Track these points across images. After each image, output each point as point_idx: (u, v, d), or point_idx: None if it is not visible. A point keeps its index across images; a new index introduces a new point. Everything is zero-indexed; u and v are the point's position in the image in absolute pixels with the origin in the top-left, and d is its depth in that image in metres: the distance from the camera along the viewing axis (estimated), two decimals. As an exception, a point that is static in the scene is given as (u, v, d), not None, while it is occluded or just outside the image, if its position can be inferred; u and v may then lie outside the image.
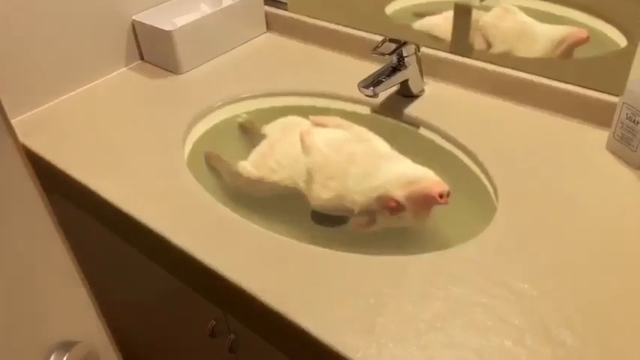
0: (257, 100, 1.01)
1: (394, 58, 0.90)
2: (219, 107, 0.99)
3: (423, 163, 0.80)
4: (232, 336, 0.79)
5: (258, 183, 0.86)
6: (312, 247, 0.70)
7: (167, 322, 1.02)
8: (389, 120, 0.96)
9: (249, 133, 0.99)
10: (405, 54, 0.89)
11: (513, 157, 0.81)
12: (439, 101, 0.94)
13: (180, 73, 1.07)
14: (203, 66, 1.10)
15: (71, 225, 1.12)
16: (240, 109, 1.01)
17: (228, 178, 0.90)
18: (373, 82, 0.88)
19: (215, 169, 0.94)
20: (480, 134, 0.86)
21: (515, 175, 0.78)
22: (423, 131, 0.92)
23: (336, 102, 1.00)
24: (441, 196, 0.73)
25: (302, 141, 0.85)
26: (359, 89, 0.87)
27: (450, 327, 0.59)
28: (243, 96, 1.01)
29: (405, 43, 0.88)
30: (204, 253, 0.70)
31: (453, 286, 0.63)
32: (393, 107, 0.94)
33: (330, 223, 0.86)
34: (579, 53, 0.86)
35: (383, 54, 0.88)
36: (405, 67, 0.90)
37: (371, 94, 0.86)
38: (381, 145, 0.84)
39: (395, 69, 0.90)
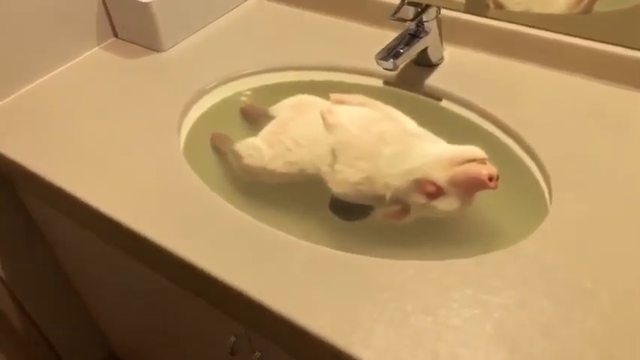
0: (258, 77, 0.89)
1: (412, 24, 0.80)
2: (214, 87, 0.88)
3: (452, 142, 0.72)
4: (258, 354, 0.70)
5: (271, 163, 0.76)
6: (347, 255, 0.60)
7: (179, 340, 0.92)
8: (406, 93, 0.86)
9: (254, 118, 0.88)
10: (424, 19, 0.79)
11: (559, 133, 0.72)
12: (461, 69, 0.85)
13: (163, 50, 0.94)
14: (188, 40, 0.97)
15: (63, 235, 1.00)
16: (240, 88, 0.89)
17: (235, 163, 0.80)
18: (392, 53, 0.77)
19: (221, 152, 0.84)
20: (515, 106, 0.77)
21: (567, 156, 0.69)
22: (446, 104, 0.82)
23: (343, 75, 0.89)
24: (490, 178, 0.64)
25: (324, 119, 0.75)
26: (377, 62, 0.77)
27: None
28: (242, 73, 0.89)
29: (426, 7, 0.78)
30: (218, 266, 0.60)
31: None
32: (409, 78, 0.84)
33: (353, 214, 0.77)
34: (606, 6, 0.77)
35: (403, 20, 0.77)
36: (426, 32, 0.80)
37: (391, 67, 0.76)
38: (412, 124, 0.74)
39: (413, 36, 0.80)
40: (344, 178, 0.71)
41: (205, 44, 0.96)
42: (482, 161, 0.65)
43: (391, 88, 0.87)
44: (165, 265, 0.66)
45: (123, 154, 0.76)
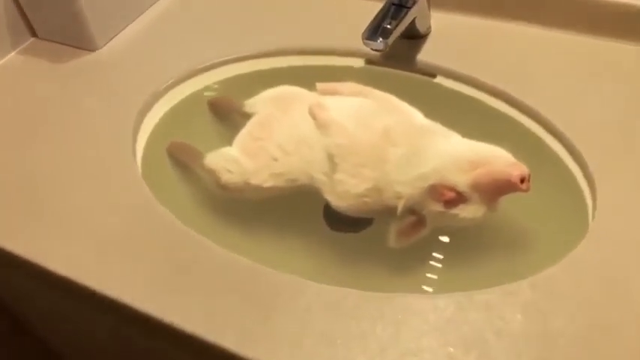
0: (222, 69, 0.76)
1: (396, -8, 0.68)
2: (170, 87, 0.73)
3: (458, 127, 0.62)
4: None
5: (254, 177, 0.64)
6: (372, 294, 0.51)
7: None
8: (394, 72, 0.74)
9: (225, 112, 0.75)
10: (411, -16, 0.67)
11: (583, 104, 0.63)
12: (452, 38, 0.74)
13: (97, 49, 0.78)
14: (124, 33, 0.81)
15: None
16: (202, 83, 0.75)
17: (210, 180, 0.67)
18: (379, 30, 0.65)
19: (186, 166, 0.71)
20: (522, 76, 0.67)
21: (605, 143, 0.59)
22: (442, 81, 0.72)
23: (317, 58, 0.77)
24: (522, 180, 0.55)
25: (314, 117, 0.63)
26: (364, 42, 0.65)
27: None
28: (201, 65, 0.75)
29: (414, -29, 0.66)
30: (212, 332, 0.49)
31: None
32: (396, 54, 0.73)
33: (352, 225, 0.67)
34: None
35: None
36: (414, 1, 0.68)
37: (382, 47, 0.64)
38: (418, 115, 0.63)
39: (400, 6, 0.68)
40: (345, 190, 0.60)
41: (147, 36, 0.80)
42: (511, 161, 0.56)
43: (375, 67, 0.75)
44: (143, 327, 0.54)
45: (63, 192, 0.62)
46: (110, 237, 0.57)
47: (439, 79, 0.72)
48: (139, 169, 0.65)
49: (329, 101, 0.65)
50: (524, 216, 0.61)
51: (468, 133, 0.61)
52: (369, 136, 0.60)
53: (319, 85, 0.69)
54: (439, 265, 0.61)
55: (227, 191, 0.66)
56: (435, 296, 0.49)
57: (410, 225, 0.59)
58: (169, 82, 0.73)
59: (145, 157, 0.68)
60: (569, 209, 0.58)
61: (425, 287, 0.60)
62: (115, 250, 0.56)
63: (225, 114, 0.76)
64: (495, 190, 0.56)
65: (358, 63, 0.76)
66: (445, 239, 0.62)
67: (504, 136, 0.66)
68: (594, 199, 0.55)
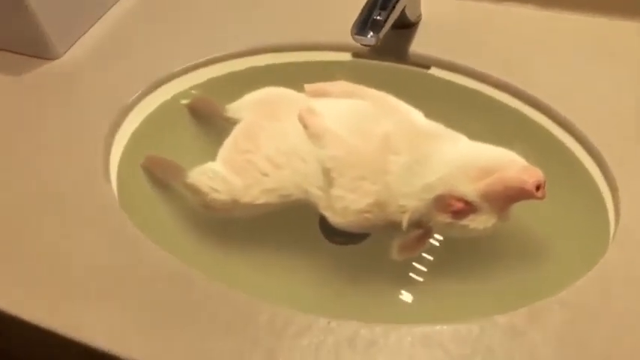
0: (198, 72, 0.69)
1: (382, -21, 0.62)
2: (143, 95, 0.66)
3: (460, 124, 0.57)
4: None
5: (244, 196, 0.58)
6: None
7: None
8: (384, 65, 0.69)
9: (207, 116, 0.69)
10: (400, -32, 0.61)
11: (601, 101, 0.58)
12: (445, 25, 0.68)
13: (58, 57, 0.71)
14: (87, 37, 0.73)
15: None
16: (178, 89, 0.69)
17: (194, 200, 0.62)
18: (369, 23, 0.59)
19: (165, 184, 0.65)
20: (524, 63, 0.62)
21: (624, 135, 0.54)
22: (436, 72, 0.66)
23: (299, 54, 0.70)
24: (537, 187, 0.50)
25: (305, 125, 0.57)
26: (353, 38, 0.59)
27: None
28: (175, 69, 0.68)
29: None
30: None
31: None
32: (385, 46, 0.66)
33: (351, 236, 0.62)
34: None
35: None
36: (404, -12, 0.62)
37: (373, 42, 0.59)
38: (418, 116, 0.58)
39: (388, -5, 0.62)
40: (344, 207, 0.55)
41: (111, 40, 0.73)
42: (524, 166, 0.51)
43: (364, 61, 0.69)
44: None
45: (26, 227, 0.55)
46: (82, 283, 0.51)
47: (433, 71, 0.67)
48: (115, 194, 0.58)
49: (320, 105, 0.60)
50: (538, 222, 0.57)
51: (469, 129, 0.57)
52: (367, 145, 0.55)
53: (308, 87, 0.63)
54: (451, 279, 0.57)
55: (214, 211, 0.61)
56: (454, 324, 0.45)
57: (414, 240, 0.55)
58: (140, 90, 0.66)
59: (120, 178, 0.61)
60: (587, 211, 0.54)
61: (438, 305, 0.56)
62: (89, 293, 0.50)
63: (207, 117, 0.70)
64: (508, 198, 0.52)
65: (344, 57, 0.70)
66: (454, 249, 0.58)
67: (510, 130, 0.62)
68: (616, 200, 0.51)
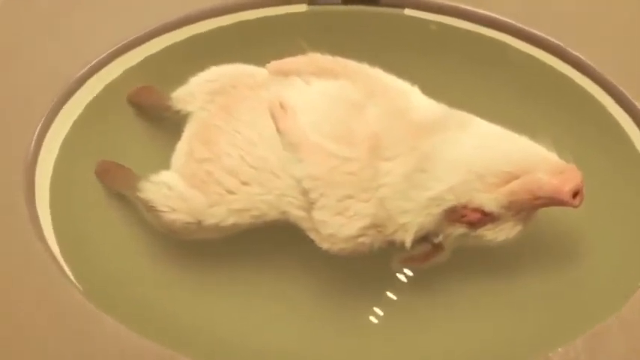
0: (126, 57, 0.56)
1: None
2: (68, 94, 0.54)
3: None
4: None
5: (208, 216, 0.48)
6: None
7: None
8: (348, 10, 0.56)
9: (151, 108, 0.58)
10: None
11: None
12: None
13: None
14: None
15: None
16: (110, 76, 0.56)
17: (150, 218, 0.51)
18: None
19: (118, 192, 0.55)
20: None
21: None
22: (413, 13, 0.54)
23: (248, 13, 0.57)
24: (575, 194, 0.40)
25: (278, 129, 0.46)
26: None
27: None
28: (98, 59, 0.55)
29: None
30: None
31: None
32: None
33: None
34: None
35: None
36: None
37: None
38: (411, 95, 0.47)
39: None
40: (332, 234, 0.44)
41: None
42: (559, 168, 0.41)
43: (323, 8, 0.56)
44: None
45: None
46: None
47: (409, 12, 0.55)
48: (56, 251, 0.46)
49: (292, 95, 0.48)
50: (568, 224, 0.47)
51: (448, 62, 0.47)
52: (353, 153, 0.44)
53: (270, 66, 0.51)
54: (463, 298, 0.48)
55: (175, 233, 0.51)
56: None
57: (421, 256, 0.46)
58: (65, 88, 0.53)
59: (54, 203, 0.50)
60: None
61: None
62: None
63: (152, 109, 0.57)
64: (536, 206, 0.43)
65: (300, 8, 0.56)
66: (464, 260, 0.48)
67: (492, 60, 0.53)
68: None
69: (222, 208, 0.48)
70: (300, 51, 0.50)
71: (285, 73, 0.50)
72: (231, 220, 0.48)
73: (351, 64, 0.49)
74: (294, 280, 0.51)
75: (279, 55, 0.50)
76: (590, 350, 0.36)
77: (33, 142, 0.50)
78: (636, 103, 0.47)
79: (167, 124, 0.55)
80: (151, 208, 0.50)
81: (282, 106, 0.46)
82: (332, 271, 0.51)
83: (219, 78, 0.53)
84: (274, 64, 0.50)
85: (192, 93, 0.53)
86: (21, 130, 0.51)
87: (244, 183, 0.47)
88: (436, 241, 0.45)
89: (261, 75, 0.51)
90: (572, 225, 0.47)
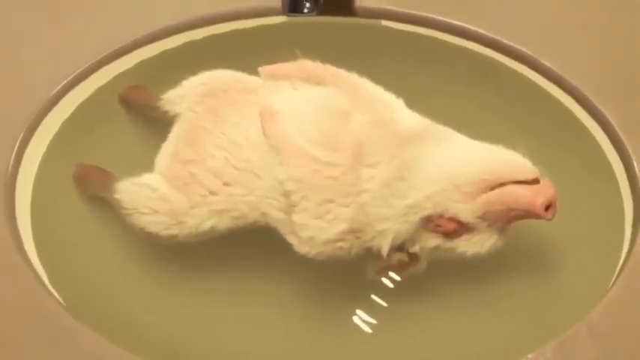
0: (116, 64, 0.57)
1: None
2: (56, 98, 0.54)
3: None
4: None
5: (190, 217, 0.49)
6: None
7: None
8: (325, 21, 0.57)
9: (143, 107, 0.58)
10: None
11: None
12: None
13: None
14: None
15: None
16: (101, 80, 0.57)
17: (129, 221, 0.51)
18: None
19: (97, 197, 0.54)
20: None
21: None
22: (391, 24, 0.56)
23: (225, 25, 0.59)
24: (547, 207, 0.42)
25: (265, 132, 0.47)
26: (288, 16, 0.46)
27: None
28: (87, 64, 0.55)
29: None
30: None
31: None
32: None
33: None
34: None
35: None
36: None
37: (313, 10, 0.47)
38: (396, 107, 0.48)
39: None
40: (310, 237, 0.45)
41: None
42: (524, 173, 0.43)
43: (303, 19, 0.57)
44: None
45: None
46: None
47: (387, 23, 0.57)
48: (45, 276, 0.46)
49: (280, 99, 0.48)
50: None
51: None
52: (336, 158, 0.45)
53: (262, 70, 0.52)
54: (432, 309, 0.50)
55: (150, 237, 0.51)
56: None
57: (397, 266, 0.48)
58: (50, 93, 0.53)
59: (35, 213, 0.50)
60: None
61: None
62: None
63: (141, 108, 0.58)
64: (510, 218, 0.45)
65: (278, 20, 0.58)
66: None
67: (467, 73, 0.55)
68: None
69: (204, 209, 0.49)
70: (291, 58, 0.50)
71: (276, 77, 0.51)
72: (209, 223, 0.49)
73: (341, 73, 0.50)
74: (283, 288, 0.51)
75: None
76: (560, 356, 0.37)
77: (14, 153, 0.50)
78: (603, 111, 0.49)
79: (154, 131, 0.55)
80: (126, 210, 0.50)
81: (271, 113, 0.47)
82: (318, 277, 0.52)
83: (210, 82, 0.54)
84: (267, 69, 0.51)
85: (183, 94, 0.54)
86: (1, 142, 0.51)
87: (226, 184, 0.48)
88: (412, 250, 0.46)
89: (253, 83, 0.52)
90: (541, 233, 0.48)
